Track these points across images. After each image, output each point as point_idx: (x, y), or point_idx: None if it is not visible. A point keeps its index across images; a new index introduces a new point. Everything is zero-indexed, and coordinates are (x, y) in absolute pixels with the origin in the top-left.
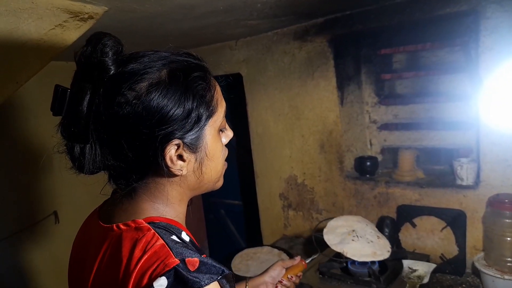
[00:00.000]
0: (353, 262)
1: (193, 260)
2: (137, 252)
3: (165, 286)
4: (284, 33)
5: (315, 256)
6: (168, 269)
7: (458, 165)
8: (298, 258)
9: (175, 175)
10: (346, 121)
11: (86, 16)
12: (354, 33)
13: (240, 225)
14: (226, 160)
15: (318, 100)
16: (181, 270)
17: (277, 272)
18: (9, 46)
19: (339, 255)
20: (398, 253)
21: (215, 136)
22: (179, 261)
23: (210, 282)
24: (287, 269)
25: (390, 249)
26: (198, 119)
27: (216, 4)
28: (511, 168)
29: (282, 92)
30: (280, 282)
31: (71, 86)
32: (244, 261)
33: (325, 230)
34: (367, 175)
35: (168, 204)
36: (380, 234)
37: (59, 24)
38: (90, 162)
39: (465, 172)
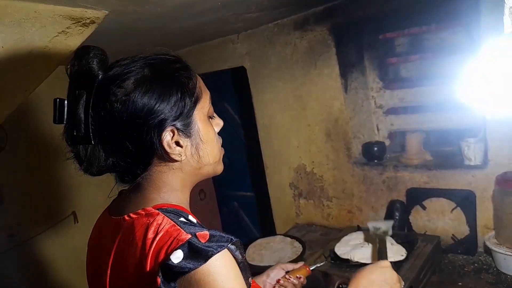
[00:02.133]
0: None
1: (204, 233)
2: (150, 234)
3: (182, 257)
4: (284, 24)
5: (320, 264)
6: (182, 243)
7: (465, 145)
8: (300, 264)
9: (175, 161)
10: (352, 108)
11: (87, 21)
12: (354, 20)
13: (253, 216)
14: (228, 150)
15: (322, 89)
16: (194, 243)
17: (275, 273)
18: (16, 56)
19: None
20: (409, 235)
21: (206, 121)
22: (191, 235)
23: (221, 250)
24: (288, 272)
25: (405, 254)
26: (185, 105)
27: (214, 0)
28: None
29: (286, 83)
30: (278, 281)
31: (67, 96)
32: (258, 251)
33: (337, 244)
34: (375, 161)
35: (172, 192)
36: (394, 242)
37: (62, 31)
38: (95, 162)
39: (472, 152)
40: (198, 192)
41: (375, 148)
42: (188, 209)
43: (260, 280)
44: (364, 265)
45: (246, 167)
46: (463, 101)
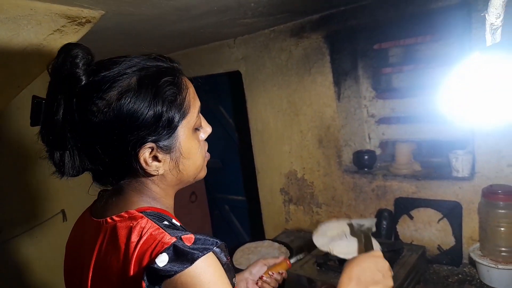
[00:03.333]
0: None
1: (189, 237)
2: (134, 237)
3: (167, 261)
4: (280, 30)
5: (300, 257)
6: (167, 246)
7: (453, 157)
8: (281, 258)
9: (152, 175)
10: (344, 115)
11: (83, 20)
12: (349, 29)
13: (244, 220)
14: (221, 153)
15: (316, 96)
16: (180, 246)
17: (257, 269)
18: (10, 52)
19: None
20: (395, 244)
21: (189, 136)
22: (176, 238)
23: (207, 253)
24: (269, 267)
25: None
26: (170, 123)
27: (210, 5)
28: (505, 159)
29: (280, 88)
30: (261, 278)
31: (46, 97)
32: (245, 255)
33: (314, 233)
34: (365, 169)
35: (155, 198)
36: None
37: (58, 29)
38: (69, 167)
39: (460, 164)
40: (190, 194)
41: (366, 157)
42: (172, 213)
43: (242, 276)
44: (343, 260)
45: (239, 170)
46: (453, 113)
